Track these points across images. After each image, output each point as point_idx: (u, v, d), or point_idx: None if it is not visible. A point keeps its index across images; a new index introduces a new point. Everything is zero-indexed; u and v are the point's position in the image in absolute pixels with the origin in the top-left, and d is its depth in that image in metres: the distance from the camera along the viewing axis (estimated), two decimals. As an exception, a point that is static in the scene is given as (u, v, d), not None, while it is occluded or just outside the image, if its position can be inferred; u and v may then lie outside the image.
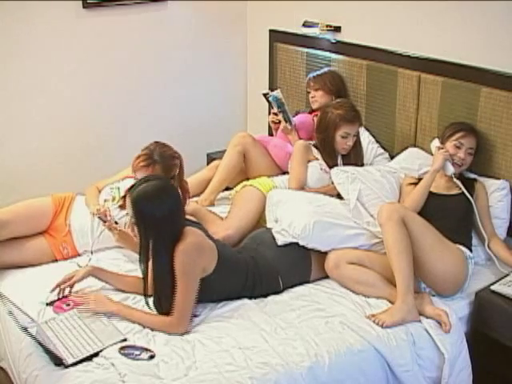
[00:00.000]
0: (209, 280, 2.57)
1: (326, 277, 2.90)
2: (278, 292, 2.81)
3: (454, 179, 3.05)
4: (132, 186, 2.55)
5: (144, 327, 2.53)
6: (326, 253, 2.90)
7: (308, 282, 2.90)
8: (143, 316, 2.55)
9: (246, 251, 2.87)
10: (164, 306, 2.55)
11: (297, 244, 2.88)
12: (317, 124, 3.39)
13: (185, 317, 2.51)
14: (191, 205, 3.34)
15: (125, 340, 2.45)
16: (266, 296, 2.78)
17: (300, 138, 3.60)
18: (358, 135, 3.35)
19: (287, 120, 3.65)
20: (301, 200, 3.04)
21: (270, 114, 3.87)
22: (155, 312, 2.58)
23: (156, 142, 3.11)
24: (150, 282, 2.64)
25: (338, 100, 3.48)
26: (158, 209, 2.47)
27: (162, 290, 2.54)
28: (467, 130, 3.08)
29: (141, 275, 2.74)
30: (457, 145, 3.05)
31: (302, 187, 3.26)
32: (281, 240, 2.91)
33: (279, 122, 3.73)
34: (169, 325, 2.50)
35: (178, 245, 2.49)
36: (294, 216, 2.92)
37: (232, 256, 2.72)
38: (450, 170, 3.03)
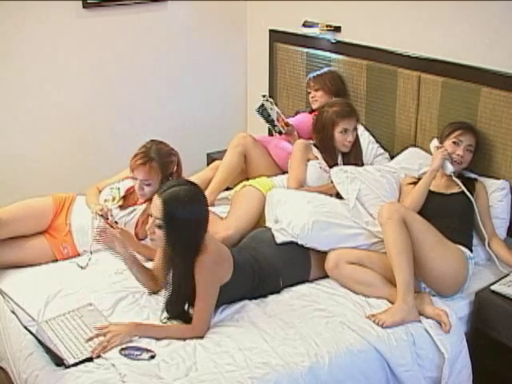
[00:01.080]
0: (224, 286, 2.57)
1: (326, 276, 2.90)
2: (277, 291, 2.81)
3: (454, 178, 3.05)
4: (162, 187, 2.49)
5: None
6: (325, 252, 2.90)
7: (308, 280, 2.90)
8: (161, 328, 2.52)
9: (245, 251, 2.87)
10: (174, 309, 2.54)
11: (296, 243, 2.89)
12: (314, 125, 3.39)
13: (205, 323, 2.51)
14: None
15: (125, 340, 2.45)
16: (265, 296, 2.78)
17: (300, 138, 3.60)
18: (357, 134, 3.35)
19: (276, 131, 3.64)
20: (300, 199, 3.04)
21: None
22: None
23: (152, 140, 3.12)
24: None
25: (332, 99, 3.49)
26: (189, 213, 2.42)
27: (176, 294, 2.51)
28: (465, 128, 3.09)
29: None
30: (455, 142, 3.06)
31: (301, 186, 3.26)
32: (280, 239, 2.91)
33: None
34: (190, 332, 2.48)
35: (199, 254, 2.46)
36: (293, 215, 2.92)
37: (239, 258, 2.71)
38: (449, 168, 3.04)
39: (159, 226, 2.44)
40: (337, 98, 3.50)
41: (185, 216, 2.42)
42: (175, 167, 3.10)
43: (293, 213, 2.94)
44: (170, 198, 2.42)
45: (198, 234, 2.47)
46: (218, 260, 2.51)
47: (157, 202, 2.44)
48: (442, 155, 3.04)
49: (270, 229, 3.01)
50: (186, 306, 2.56)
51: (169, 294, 2.55)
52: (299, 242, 2.88)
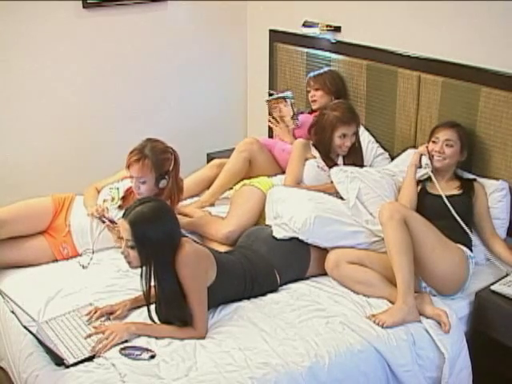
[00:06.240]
0: (212, 288, 2.57)
1: (324, 274, 2.90)
2: (275, 288, 2.82)
3: (430, 173, 3.07)
4: (126, 210, 2.50)
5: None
6: (324, 249, 2.91)
7: (305, 277, 2.91)
8: (161, 328, 2.52)
9: (238, 250, 2.88)
10: (167, 314, 2.54)
11: (294, 239, 2.89)
12: (313, 125, 3.39)
13: (204, 322, 2.52)
14: (189, 208, 3.34)
15: (126, 341, 2.45)
16: (264, 294, 2.78)
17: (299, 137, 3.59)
18: (357, 136, 3.36)
19: (295, 122, 3.64)
20: (302, 197, 3.04)
21: (269, 114, 3.86)
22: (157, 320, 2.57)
23: (148, 139, 3.09)
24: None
25: (336, 101, 3.48)
26: (157, 229, 2.44)
27: (170, 303, 2.50)
28: (442, 124, 3.13)
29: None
30: (433, 140, 3.10)
31: (298, 184, 3.26)
32: (281, 234, 2.91)
33: (277, 124, 3.73)
34: (191, 332, 2.49)
35: (176, 257, 2.47)
36: (294, 211, 2.92)
37: (228, 261, 2.72)
38: (424, 161, 3.10)
39: (132, 247, 2.46)
40: (339, 101, 3.48)
41: (154, 232, 2.43)
42: (171, 165, 3.06)
43: (294, 209, 2.94)
44: (136, 219, 2.44)
45: (172, 245, 2.48)
46: (197, 257, 2.51)
47: (124, 224, 2.46)
48: (418, 151, 3.13)
49: (267, 226, 3.01)
50: (176, 310, 2.53)
51: (156, 300, 2.55)
52: (300, 237, 2.88)
